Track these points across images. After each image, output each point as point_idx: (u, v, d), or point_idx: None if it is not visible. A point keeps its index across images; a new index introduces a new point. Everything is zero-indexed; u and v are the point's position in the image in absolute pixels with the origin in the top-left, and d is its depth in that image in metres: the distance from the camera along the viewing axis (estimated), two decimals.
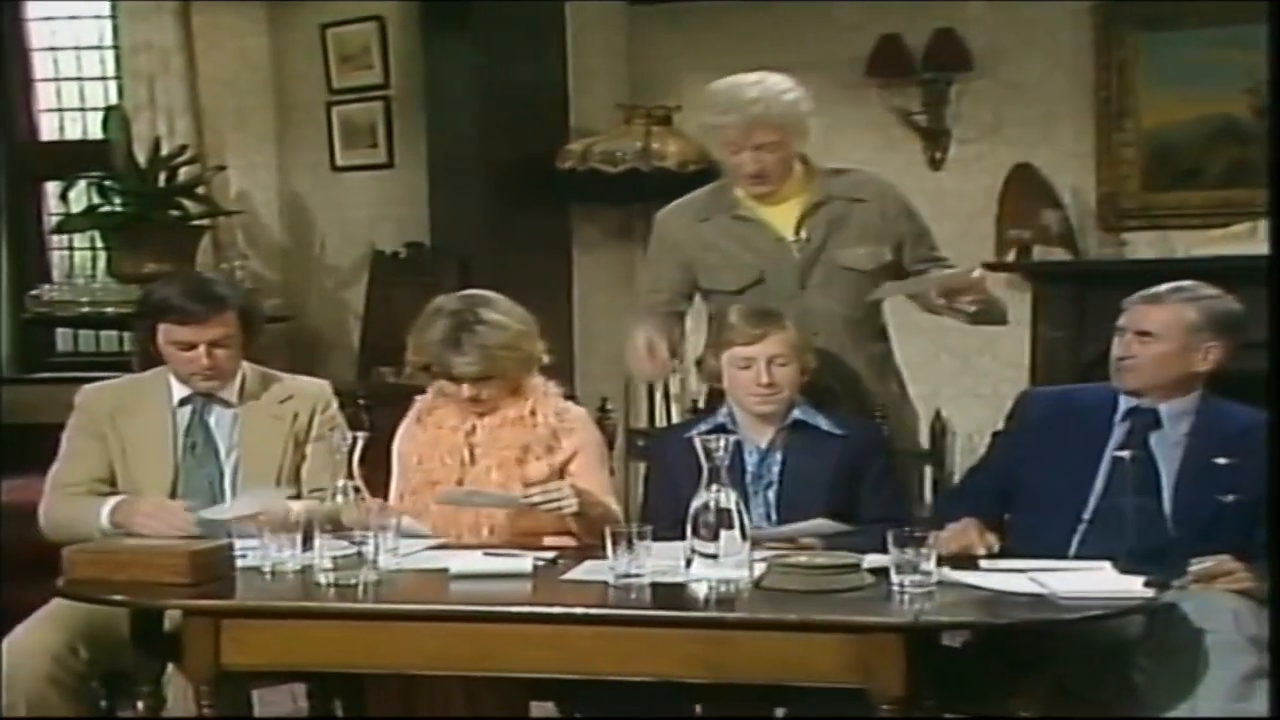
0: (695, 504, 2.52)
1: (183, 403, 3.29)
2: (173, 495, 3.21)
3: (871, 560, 2.61)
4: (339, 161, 6.28)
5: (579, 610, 2.51)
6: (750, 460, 3.14)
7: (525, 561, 2.76)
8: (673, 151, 5.50)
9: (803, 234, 3.42)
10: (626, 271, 5.87)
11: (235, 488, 3.23)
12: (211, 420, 3.29)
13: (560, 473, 3.16)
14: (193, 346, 3.20)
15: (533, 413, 3.20)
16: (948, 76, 5.65)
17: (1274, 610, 2.30)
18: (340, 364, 6.08)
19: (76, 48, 6.55)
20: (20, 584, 3.95)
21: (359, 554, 2.65)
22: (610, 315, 5.78)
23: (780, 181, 3.42)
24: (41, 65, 6.53)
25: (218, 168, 6.21)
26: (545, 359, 3.24)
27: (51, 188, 6.42)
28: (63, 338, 6.64)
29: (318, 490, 3.19)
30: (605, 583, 2.59)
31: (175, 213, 5.87)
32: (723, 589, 2.50)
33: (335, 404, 3.39)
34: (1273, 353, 2.65)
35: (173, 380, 3.30)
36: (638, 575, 2.57)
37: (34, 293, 5.90)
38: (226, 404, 3.29)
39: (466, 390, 3.13)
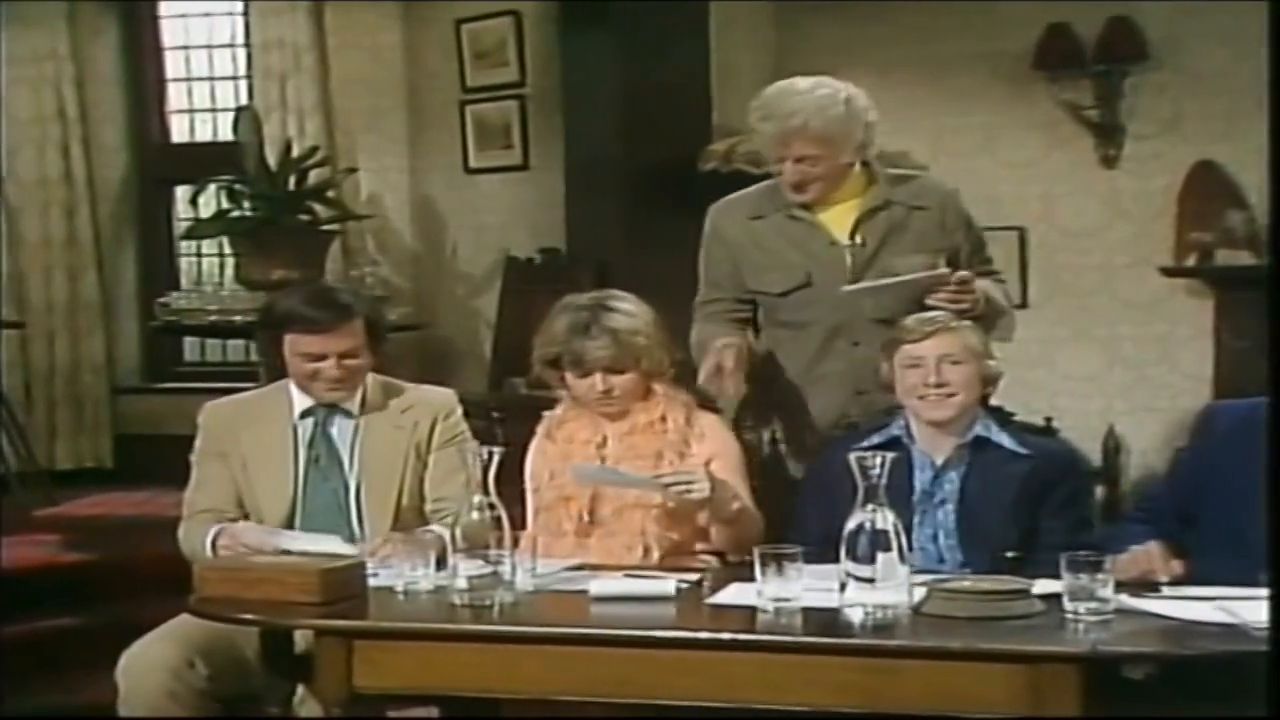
0: (850, 525, 2.50)
1: (304, 415, 3.35)
2: (294, 510, 3.28)
3: (1042, 586, 2.57)
4: (472, 163, 6.37)
5: (726, 635, 2.51)
6: (922, 477, 3.10)
7: (668, 584, 2.76)
8: None
9: (858, 238, 3.41)
10: None
11: (360, 500, 3.28)
12: (334, 432, 3.34)
13: None
14: (322, 358, 3.26)
15: (663, 418, 3.22)
16: (1122, 68, 5.55)
17: (1274, 610, 2.27)
18: (472, 375, 6.16)
19: (208, 45, 6.76)
20: (146, 599, 4.09)
21: (495, 574, 2.67)
22: None
23: (826, 191, 3.40)
24: (174, 64, 6.74)
25: (348, 170, 6.35)
26: (670, 364, 3.26)
27: (181, 192, 6.62)
28: (190, 347, 6.84)
29: (441, 500, 3.28)
30: (753, 607, 2.58)
31: (305, 217, 6.01)
32: (880, 615, 2.47)
33: (459, 412, 3.43)
34: (1273, 354, 2.59)
35: (294, 392, 3.36)
36: (789, 599, 2.55)
37: (162, 300, 6.06)
38: (348, 415, 3.35)
39: (598, 384, 3.16)
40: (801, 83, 3.38)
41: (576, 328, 3.17)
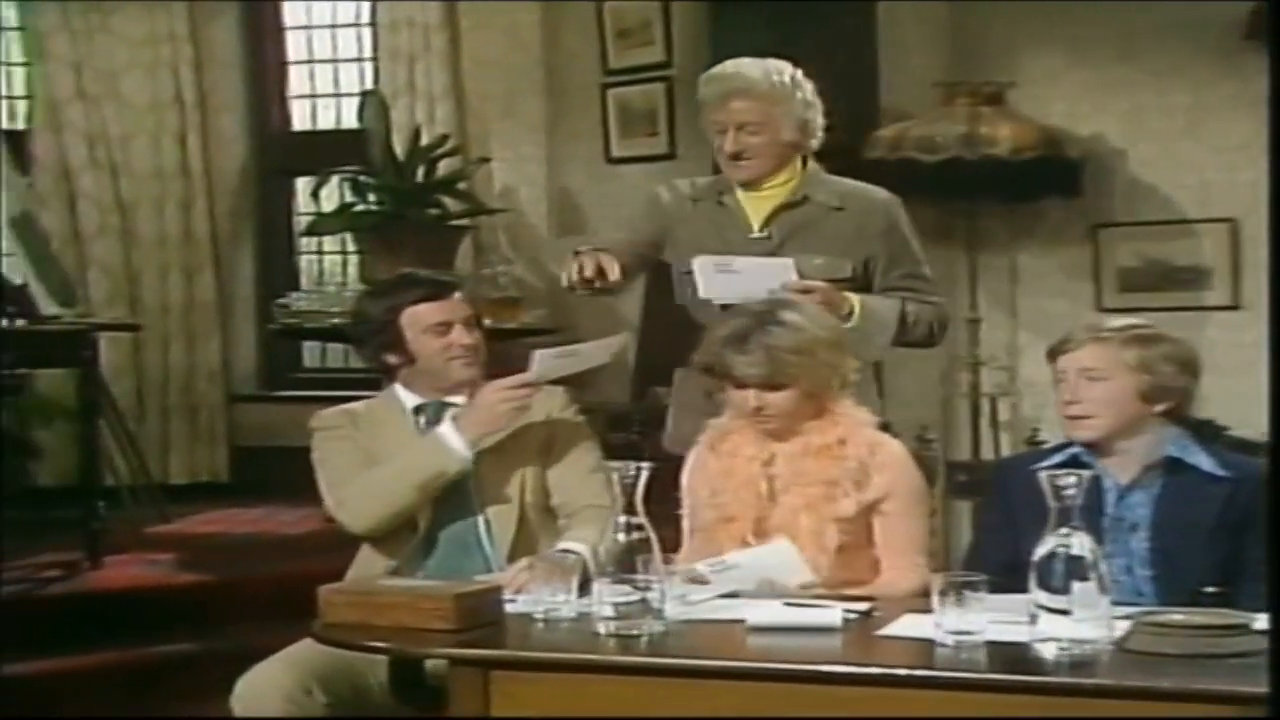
0: (1041, 550, 2.46)
1: (417, 411, 3.46)
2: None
3: (1263, 621, 2.50)
4: (615, 152, 6.40)
5: (900, 671, 2.47)
6: (1107, 500, 3.05)
7: (834, 613, 2.73)
8: (1004, 136, 5.41)
9: (766, 231, 3.69)
10: (946, 278, 5.76)
11: (481, 494, 3.39)
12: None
13: (870, 511, 3.15)
14: (449, 326, 3.39)
15: (841, 442, 3.19)
16: None
17: (1274, 610, 2.25)
18: (613, 384, 6.17)
19: (332, 25, 6.89)
20: (263, 623, 4.18)
21: (643, 601, 2.67)
22: None
23: (765, 170, 3.68)
24: (295, 46, 6.89)
25: (481, 160, 6.41)
26: (842, 385, 3.23)
27: (301, 184, 6.74)
28: (309, 352, 6.96)
29: (566, 495, 3.40)
30: (931, 640, 2.55)
31: (434, 211, 6.09)
32: (1077, 650, 2.42)
33: (574, 408, 3.52)
34: (1273, 356, 2.59)
35: (401, 391, 3.48)
36: (971, 632, 2.51)
37: (281, 301, 6.17)
38: (458, 409, 3.43)
39: (752, 400, 3.15)
40: (750, 58, 3.73)
41: (733, 339, 3.16)
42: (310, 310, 6.08)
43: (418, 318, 3.40)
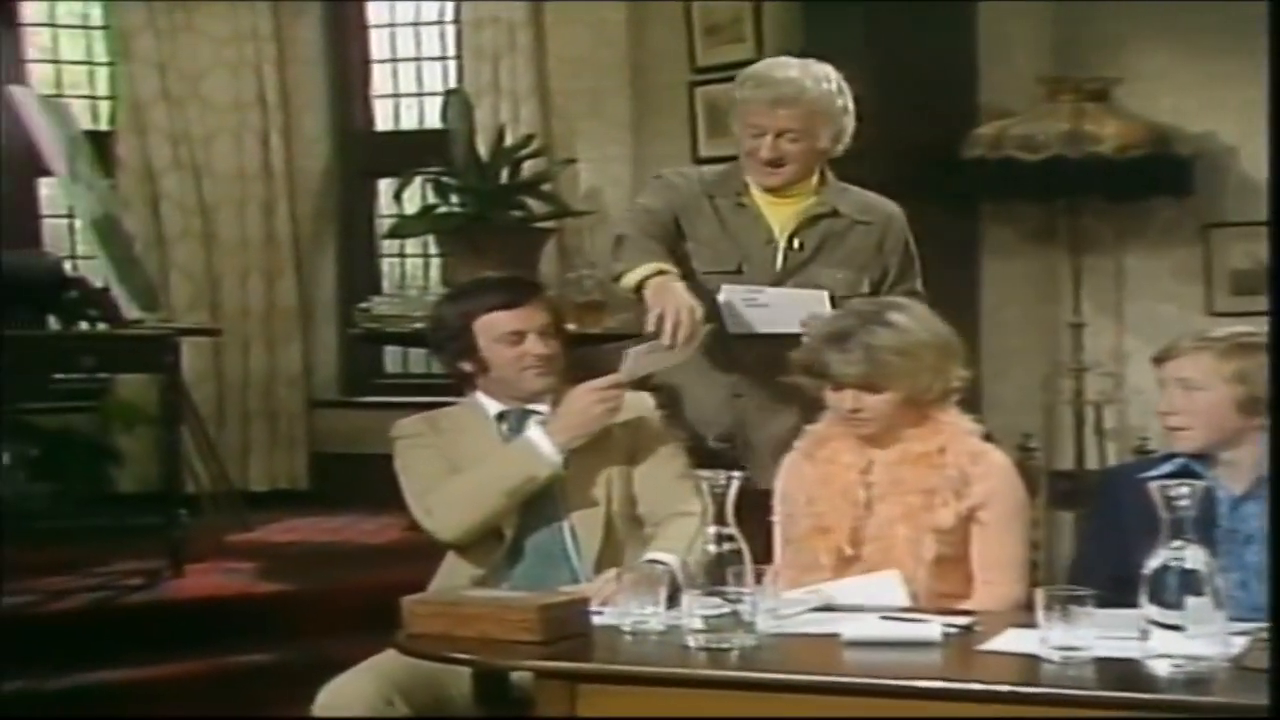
0: (1153, 564, 2.43)
1: (499, 419, 3.47)
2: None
3: None
4: (703, 152, 6.36)
5: (1004, 688, 2.45)
6: (1220, 511, 3.02)
7: (933, 628, 2.72)
8: (1110, 134, 5.36)
9: (796, 241, 3.70)
10: (1049, 281, 5.74)
11: (566, 501, 3.39)
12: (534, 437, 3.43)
13: (969, 521, 3.13)
14: (522, 336, 3.39)
15: (941, 451, 3.17)
16: None
17: (1274, 610, 2.26)
18: None
19: (415, 23, 6.94)
20: (344, 633, 4.20)
21: (734, 614, 2.66)
22: (1028, 333, 5.66)
23: (797, 178, 3.69)
24: (378, 44, 6.96)
25: (566, 160, 6.41)
26: (945, 392, 3.21)
27: (384, 185, 6.79)
28: (391, 357, 7.00)
29: (652, 503, 3.39)
30: (1035, 656, 2.52)
31: (518, 213, 6.09)
32: (1191, 668, 2.39)
33: (659, 414, 3.51)
34: (1273, 354, 2.59)
35: (483, 398, 3.49)
36: (1078, 648, 2.48)
37: (362, 305, 6.20)
38: (544, 419, 3.43)
39: (848, 401, 3.15)
40: (790, 59, 3.75)
41: (834, 336, 3.17)
42: (392, 315, 6.10)
43: (491, 325, 3.41)
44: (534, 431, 3.37)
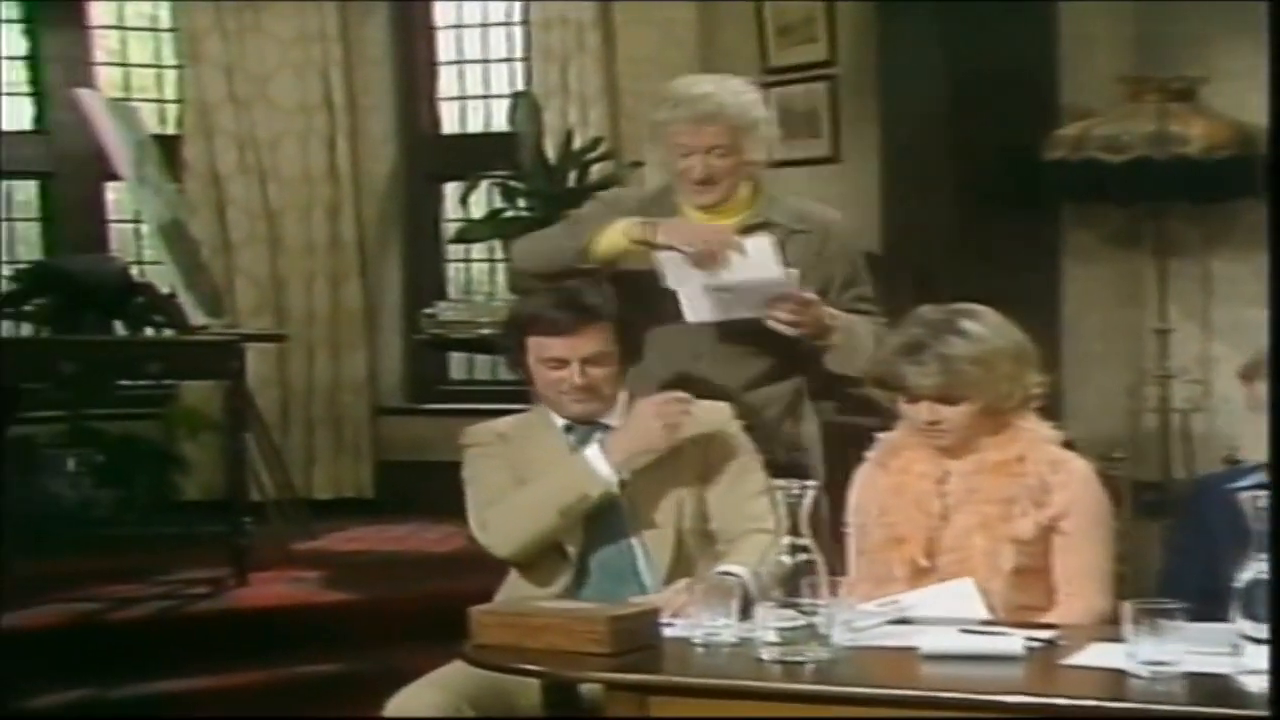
0: (1244, 577, 2.40)
1: (565, 432, 3.46)
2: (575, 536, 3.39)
3: None
4: (775, 155, 6.35)
5: (1089, 702, 2.43)
6: None
7: (1014, 641, 2.69)
8: (1196, 134, 5.31)
9: None
10: (1132, 286, 5.68)
11: (635, 518, 3.37)
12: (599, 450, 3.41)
13: (1049, 532, 3.10)
14: (564, 363, 3.36)
15: (1020, 459, 3.15)
16: None
17: (1273, 611, 2.24)
18: None
19: (483, 24, 6.96)
20: (410, 643, 4.21)
21: (809, 626, 2.65)
22: (1111, 339, 5.61)
23: (730, 193, 3.74)
24: (445, 45, 6.99)
25: (635, 164, 6.39)
26: (1023, 399, 3.18)
27: (450, 189, 6.81)
28: (456, 363, 7.01)
29: (726, 521, 3.35)
30: (1122, 671, 2.50)
31: None
32: None
33: (736, 425, 3.48)
34: (1273, 353, 2.61)
35: (550, 411, 3.48)
36: (1167, 663, 2.46)
37: (428, 311, 6.21)
38: (612, 429, 3.42)
39: (925, 413, 3.12)
40: (707, 76, 3.87)
41: (907, 348, 3.13)
42: (457, 320, 6.11)
43: (537, 346, 3.39)
44: (592, 449, 3.35)
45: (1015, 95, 5.66)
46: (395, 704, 3.16)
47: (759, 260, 3.61)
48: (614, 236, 3.66)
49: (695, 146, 3.67)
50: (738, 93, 3.72)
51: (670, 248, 3.61)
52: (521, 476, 3.41)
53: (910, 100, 5.73)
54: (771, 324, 3.63)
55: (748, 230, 3.71)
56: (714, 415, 3.47)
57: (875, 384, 3.22)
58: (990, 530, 3.10)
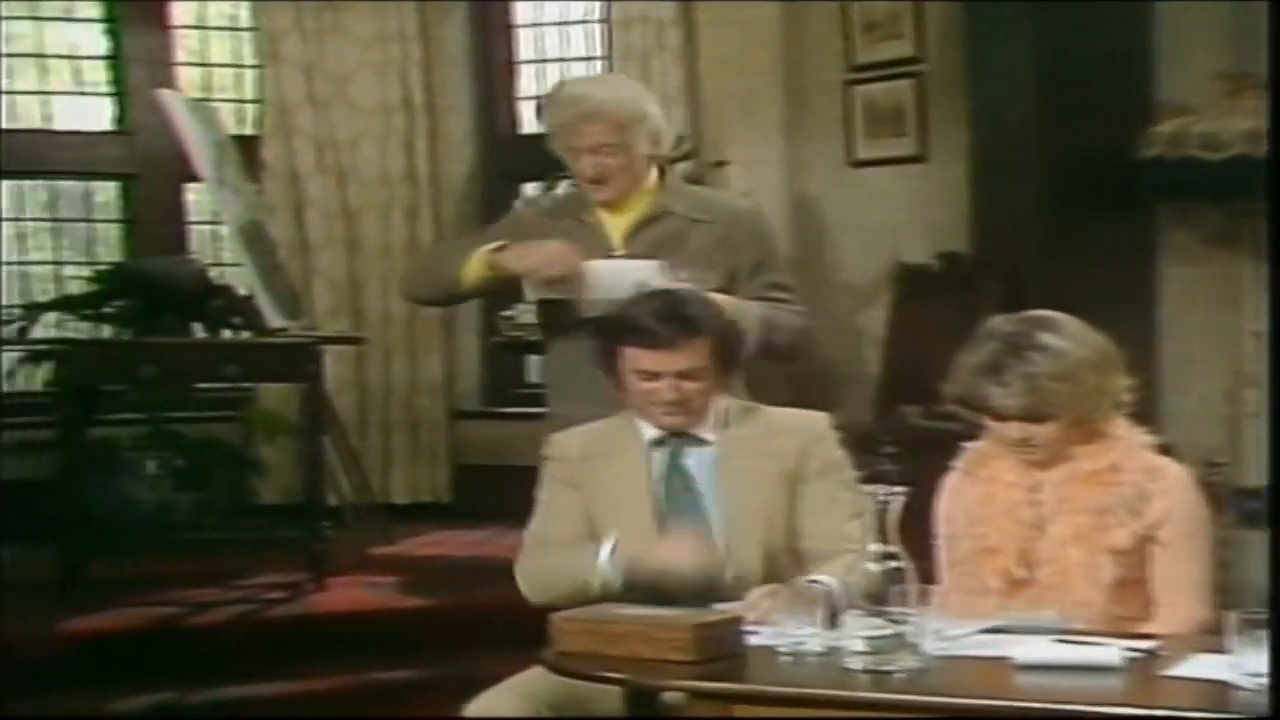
0: None
1: (655, 445, 3.39)
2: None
3: None
4: (859, 154, 6.35)
5: (1192, 714, 2.41)
6: None
7: (1112, 651, 2.66)
8: None
9: (627, 249, 3.86)
10: (1231, 287, 5.61)
11: (724, 537, 3.30)
12: (690, 463, 3.37)
13: (1146, 541, 3.06)
14: (656, 376, 3.29)
15: (1114, 468, 3.10)
16: None
17: (1273, 612, 2.23)
18: (855, 401, 6.12)
19: (562, 22, 6.98)
20: (487, 650, 4.22)
21: (898, 636, 2.63)
22: (1209, 341, 5.54)
23: (627, 188, 3.86)
24: (525, 44, 7.03)
25: (716, 163, 6.40)
26: (1115, 406, 3.14)
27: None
28: (534, 366, 7.01)
29: (817, 538, 3.28)
30: (1226, 682, 2.46)
31: None
32: None
33: (833, 438, 3.41)
34: (1273, 352, 2.30)
35: (639, 419, 3.41)
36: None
37: (505, 313, 6.22)
38: (703, 443, 3.37)
39: (1014, 431, 3.08)
40: (589, 76, 4.17)
41: (986, 367, 3.06)
42: (535, 323, 6.11)
43: (630, 357, 3.31)
44: (606, 548, 3.24)
45: (1109, 92, 5.61)
46: (474, 708, 3.16)
47: (617, 272, 3.70)
48: (475, 265, 3.86)
49: (583, 147, 3.82)
50: (616, 89, 3.90)
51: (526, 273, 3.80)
52: (592, 508, 3.35)
53: (1000, 97, 5.71)
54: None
55: (648, 224, 3.85)
56: (810, 423, 3.41)
57: (958, 403, 3.16)
58: (1086, 541, 3.06)
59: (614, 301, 3.47)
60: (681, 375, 3.28)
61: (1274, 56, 2.69)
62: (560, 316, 3.91)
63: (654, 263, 3.72)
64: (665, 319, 3.28)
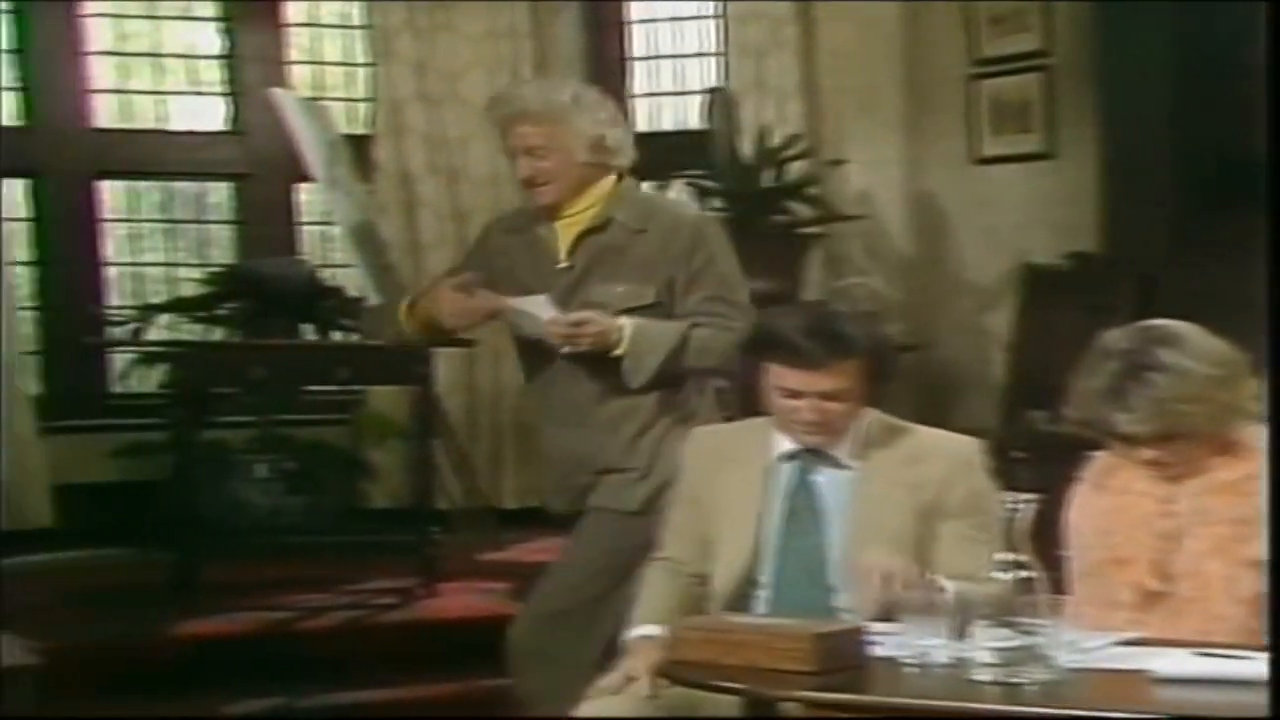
0: None
1: (786, 458, 3.34)
2: (754, 566, 3.30)
3: None
4: (984, 151, 6.31)
5: None
6: None
7: (1258, 665, 2.58)
8: None
9: (569, 261, 3.86)
10: None
11: (842, 564, 3.24)
12: (819, 480, 3.32)
13: None
14: (798, 395, 3.23)
15: (1251, 477, 3.01)
16: None
17: (1273, 612, 2.24)
18: (979, 406, 6.09)
19: (676, 18, 6.98)
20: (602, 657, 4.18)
21: (1029, 647, 2.58)
22: None
23: (564, 194, 3.84)
24: (638, 40, 7.03)
25: (834, 162, 6.37)
26: (1255, 406, 3.04)
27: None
28: None
29: (952, 579, 3.14)
30: None
31: (782, 218, 6.06)
32: None
33: (982, 467, 3.32)
34: (1272, 352, 2.61)
35: (776, 430, 3.36)
36: None
37: None
38: (838, 463, 3.32)
39: (1144, 453, 3.01)
40: (530, 79, 4.24)
41: (1107, 392, 2.96)
42: None
43: (774, 374, 3.26)
44: (640, 631, 3.28)
45: (1245, 88, 5.50)
46: (585, 709, 3.17)
47: (522, 307, 3.82)
48: (404, 319, 4.03)
49: (515, 148, 3.85)
50: (546, 91, 3.90)
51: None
52: (705, 521, 3.35)
53: (1132, 92, 5.65)
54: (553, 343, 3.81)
55: (588, 235, 3.83)
56: (958, 449, 3.33)
57: (1083, 428, 3.07)
58: (1226, 554, 2.98)
59: (764, 314, 3.49)
60: (825, 396, 3.22)
61: (1274, 56, 2.63)
62: (529, 343, 3.96)
63: (542, 297, 3.77)
64: (815, 336, 3.21)
